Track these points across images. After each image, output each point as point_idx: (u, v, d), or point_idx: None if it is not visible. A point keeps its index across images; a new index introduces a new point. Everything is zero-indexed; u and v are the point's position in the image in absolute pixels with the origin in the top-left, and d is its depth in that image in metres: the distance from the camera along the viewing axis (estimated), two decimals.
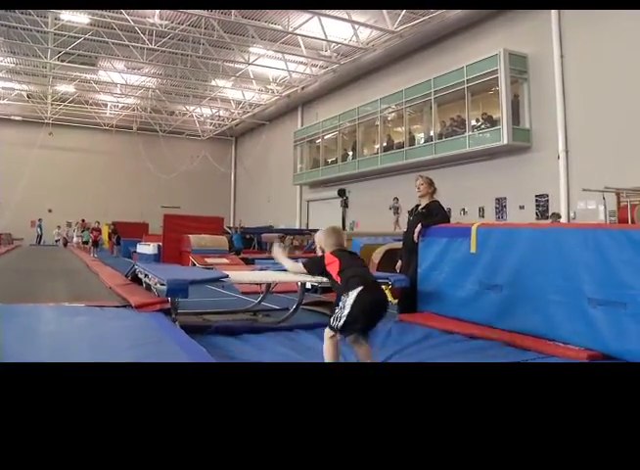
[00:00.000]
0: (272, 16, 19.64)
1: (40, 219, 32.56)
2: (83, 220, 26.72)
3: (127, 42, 21.14)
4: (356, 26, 19.58)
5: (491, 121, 16.39)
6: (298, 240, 23.86)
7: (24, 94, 30.64)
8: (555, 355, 4.24)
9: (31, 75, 27.17)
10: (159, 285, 5.03)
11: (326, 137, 25.77)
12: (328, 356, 3.51)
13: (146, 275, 5.90)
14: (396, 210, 19.46)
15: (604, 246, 4.26)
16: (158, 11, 19.30)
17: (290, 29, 20.14)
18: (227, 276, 5.22)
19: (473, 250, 5.55)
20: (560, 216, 14.22)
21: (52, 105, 31.84)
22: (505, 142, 15.66)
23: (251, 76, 26.37)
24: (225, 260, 13.30)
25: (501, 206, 16.93)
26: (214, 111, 34.04)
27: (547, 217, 14.84)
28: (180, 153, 36.32)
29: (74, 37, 21.14)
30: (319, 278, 5.53)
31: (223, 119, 35.45)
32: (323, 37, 20.00)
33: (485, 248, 5.44)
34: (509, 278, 5.11)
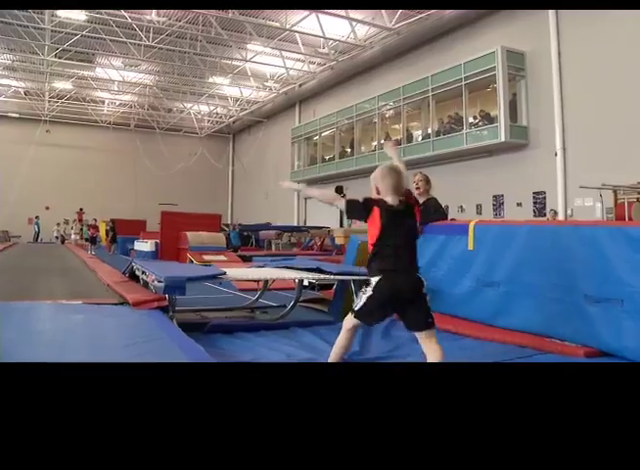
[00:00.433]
0: (270, 13, 19.62)
1: (37, 217, 32.52)
2: (81, 209, 26.39)
3: (125, 39, 21.10)
4: (354, 24, 19.58)
5: (489, 119, 16.40)
6: (296, 237, 23.86)
7: (22, 91, 30.59)
8: (552, 352, 4.25)
9: (28, 72, 27.10)
10: (156, 282, 5.03)
11: (323, 134, 25.77)
12: (337, 347, 3.40)
13: (143, 272, 5.90)
14: None
15: (601, 243, 4.26)
16: None
17: (287, 26, 20.13)
18: (224, 273, 5.22)
19: (470, 247, 5.55)
20: (556, 213, 14.28)
21: (49, 102, 31.75)
22: (502, 139, 15.67)
23: (249, 73, 26.36)
24: (223, 258, 13.30)
25: (499, 203, 16.95)
26: (212, 108, 34.00)
27: (545, 215, 14.88)
28: (178, 150, 36.27)
29: (72, 34, 21.06)
30: (317, 275, 5.57)
31: (221, 117, 35.43)
32: (321, 34, 20.01)
33: (483, 245, 5.44)
34: (506, 275, 5.11)
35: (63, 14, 19.60)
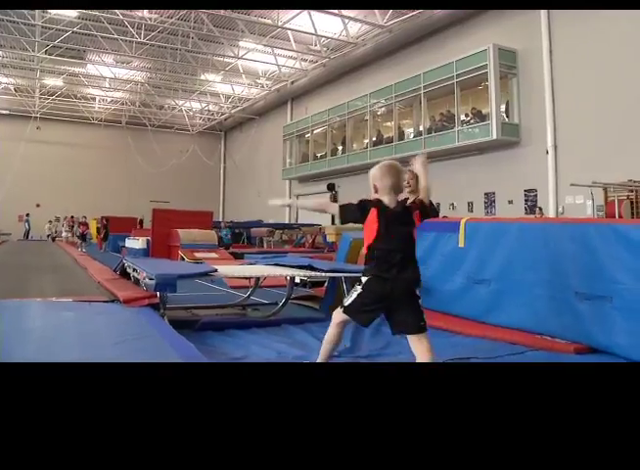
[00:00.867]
0: (262, 10, 19.56)
1: (28, 214, 32.34)
2: (72, 217, 26.45)
3: (116, 36, 21.02)
4: (346, 21, 19.58)
5: (480, 116, 16.44)
6: (288, 234, 23.86)
7: (12, 87, 30.38)
8: (543, 349, 4.27)
9: (19, 69, 26.91)
10: (147, 279, 5.02)
11: (315, 132, 25.76)
12: (327, 341, 3.41)
13: (134, 270, 5.89)
14: None
15: (591, 240, 4.29)
16: None
17: (279, 24, 20.12)
18: (216, 270, 5.21)
19: (461, 244, 5.57)
20: (541, 210, 14.45)
21: (40, 98, 31.60)
22: (494, 137, 15.71)
23: (241, 71, 26.32)
24: (214, 255, 13.27)
25: (490, 200, 17.00)
26: (204, 105, 33.93)
27: (534, 213, 14.95)
28: (169, 147, 36.19)
29: (62, 31, 20.97)
30: (309, 273, 5.57)
31: (212, 114, 35.35)
32: (313, 32, 19.99)
33: (474, 242, 5.46)
34: (497, 273, 5.13)
35: (53, 10, 19.44)
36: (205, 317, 5.56)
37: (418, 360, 3.15)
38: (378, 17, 18.75)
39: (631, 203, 12.07)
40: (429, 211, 3.53)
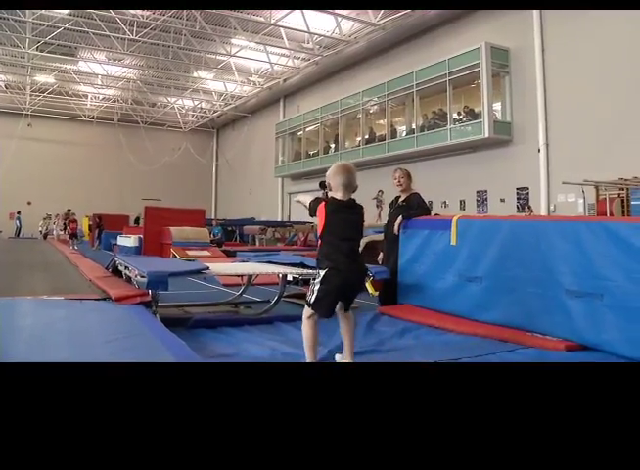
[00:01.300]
0: None
1: (19, 212, 32.15)
2: (69, 210, 25.94)
3: (108, 33, 20.90)
4: (339, 19, 19.56)
5: (473, 115, 16.47)
6: (280, 232, 23.85)
7: (2, 84, 30.15)
8: (534, 346, 4.29)
9: (9, 65, 26.72)
10: (139, 277, 5.01)
11: (308, 129, 25.73)
12: (305, 338, 3.55)
13: (126, 267, 5.88)
14: (379, 202, 19.47)
15: (582, 238, 4.31)
16: None
17: (272, 21, 20.07)
18: (208, 268, 5.21)
19: (453, 242, 5.58)
20: (530, 208, 14.56)
21: (31, 95, 31.38)
22: (486, 135, 15.74)
23: (233, 68, 26.24)
24: (206, 253, 13.25)
25: (482, 198, 17.03)
26: (196, 102, 33.83)
27: (524, 211, 15.01)
28: (161, 145, 36.08)
29: (54, 27, 20.83)
30: (301, 270, 5.57)
31: (205, 111, 35.27)
32: (305, 29, 19.95)
33: (466, 240, 5.47)
34: (489, 270, 5.14)
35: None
36: (197, 315, 5.54)
37: (345, 327, 3.64)
38: (370, 15, 18.75)
39: (622, 201, 12.13)
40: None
